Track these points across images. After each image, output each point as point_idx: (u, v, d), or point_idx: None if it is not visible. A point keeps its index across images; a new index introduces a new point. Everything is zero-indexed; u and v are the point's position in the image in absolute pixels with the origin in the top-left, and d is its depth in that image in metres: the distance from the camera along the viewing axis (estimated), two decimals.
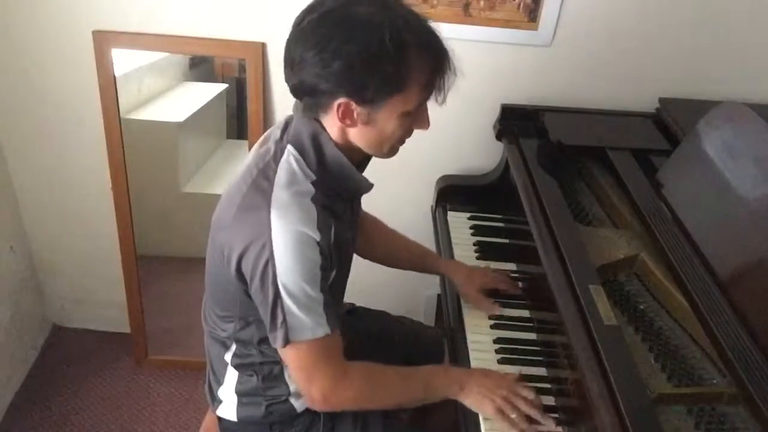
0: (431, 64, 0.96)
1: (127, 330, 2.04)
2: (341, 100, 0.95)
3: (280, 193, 0.98)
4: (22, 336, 2.00)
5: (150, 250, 2.02)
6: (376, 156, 1.09)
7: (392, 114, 0.98)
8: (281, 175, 1.00)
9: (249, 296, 1.05)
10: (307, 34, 0.93)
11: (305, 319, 0.99)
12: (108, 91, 1.68)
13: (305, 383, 1.06)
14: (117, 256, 1.90)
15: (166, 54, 1.90)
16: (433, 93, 1.00)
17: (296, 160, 1.02)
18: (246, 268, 1.00)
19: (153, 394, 1.99)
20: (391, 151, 1.07)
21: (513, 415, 1.08)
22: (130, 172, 1.78)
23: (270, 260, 0.96)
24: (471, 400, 1.12)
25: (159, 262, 2.13)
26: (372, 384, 1.11)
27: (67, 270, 2.05)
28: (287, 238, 0.96)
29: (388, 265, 1.45)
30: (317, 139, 1.02)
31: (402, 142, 1.06)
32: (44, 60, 1.68)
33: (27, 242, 1.99)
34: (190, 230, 1.84)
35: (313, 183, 1.02)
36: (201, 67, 2.12)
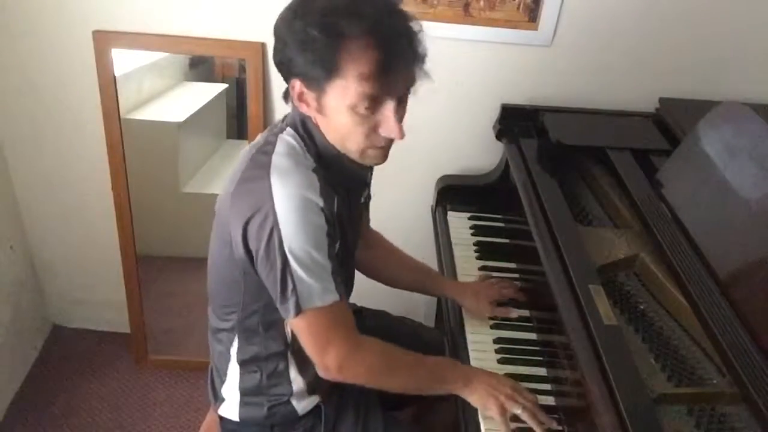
0: (373, 56, 0.92)
1: (127, 330, 2.04)
2: (294, 81, 0.98)
3: (279, 160, 0.99)
4: (22, 336, 2.00)
5: (150, 250, 2.02)
6: (348, 154, 1.04)
7: (339, 104, 0.96)
8: (280, 148, 1.01)
9: (254, 277, 1.03)
10: (279, 18, 0.97)
11: (314, 284, 0.98)
12: (108, 91, 1.68)
13: (320, 352, 1.04)
14: (117, 256, 1.90)
15: (166, 54, 1.90)
16: (382, 90, 0.95)
17: (295, 140, 1.03)
18: (251, 240, 0.99)
19: (153, 394, 1.99)
20: (361, 154, 1.02)
21: (518, 411, 1.08)
22: (130, 172, 1.78)
23: (275, 228, 0.95)
24: (475, 397, 1.11)
25: (159, 262, 2.13)
26: (386, 361, 1.10)
27: (67, 270, 2.05)
28: (290, 204, 0.96)
29: (391, 285, 1.43)
30: (305, 125, 1.04)
31: (371, 145, 1.01)
32: (44, 60, 1.68)
33: (27, 242, 1.99)
34: (190, 230, 1.84)
35: (314, 170, 1.02)
36: (201, 67, 2.12)
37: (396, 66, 0.94)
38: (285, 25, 0.95)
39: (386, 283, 1.43)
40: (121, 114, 1.72)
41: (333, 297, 1.00)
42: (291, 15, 0.95)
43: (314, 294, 0.98)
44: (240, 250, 1.01)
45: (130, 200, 1.82)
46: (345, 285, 1.08)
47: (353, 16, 0.91)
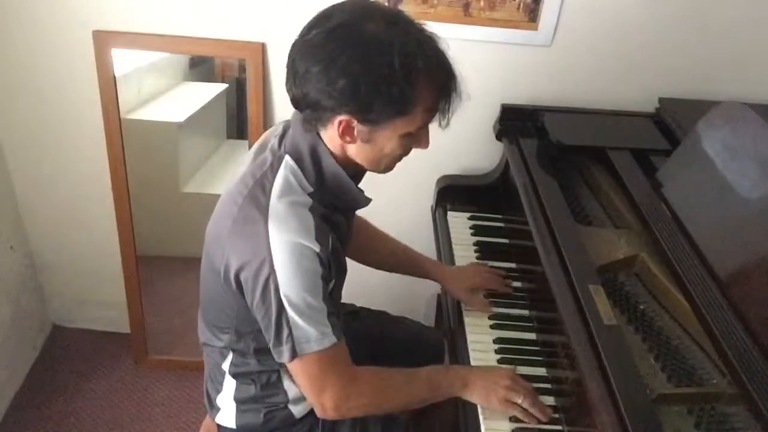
0: (437, 88, 0.96)
1: (127, 330, 2.04)
2: (343, 117, 0.95)
3: (276, 204, 0.98)
4: (22, 336, 2.00)
5: (150, 250, 2.02)
6: (371, 171, 1.08)
7: (393, 134, 0.99)
8: (278, 186, 0.99)
9: (246, 309, 1.03)
10: (314, 47, 0.92)
11: (311, 330, 0.98)
12: (108, 91, 1.68)
13: (316, 394, 1.05)
14: (117, 256, 1.90)
15: (166, 54, 1.90)
16: (437, 115, 1.00)
17: (293, 172, 1.01)
18: (246, 283, 0.99)
19: (153, 394, 1.99)
20: (387, 169, 1.07)
21: (519, 401, 1.09)
22: (130, 172, 1.78)
23: (271, 275, 0.96)
24: (477, 396, 1.12)
25: (159, 262, 2.13)
26: (381, 389, 1.11)
27: (67, 270, 2.05)
28: (287, 251, 0.96)
29: (375, 268, 1.44)
30: (315, 152, 1.02)
31: (399, 160, 1.06)
32: (44, 60, 1.68)
33: (27, 242, 1.99)
34: (190, 230, 1.84)
35: (311, 195, 1.01)
36: (201, 67, 2.12)
37: (452, 91, 0.98)
38: (339, 66, 0.90)
39: (370, 266, 1.44)
40: (121, 114, 1.72)
41: (330, 340, 1.00)
42: (350, 55, 0.90)
43: (312, 340, 0.99)
44: (233, 288, 1.02)
45: (130, 200, 1.82)
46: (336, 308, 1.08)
47: (418, 53, 0.92)
